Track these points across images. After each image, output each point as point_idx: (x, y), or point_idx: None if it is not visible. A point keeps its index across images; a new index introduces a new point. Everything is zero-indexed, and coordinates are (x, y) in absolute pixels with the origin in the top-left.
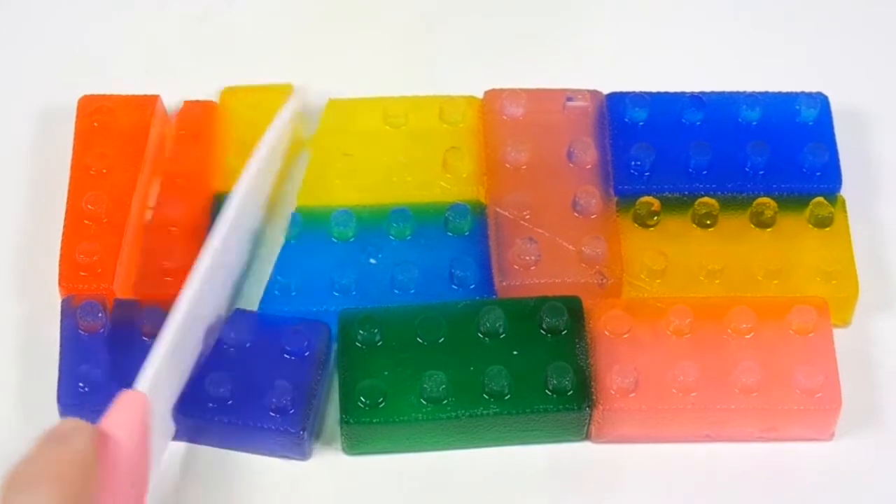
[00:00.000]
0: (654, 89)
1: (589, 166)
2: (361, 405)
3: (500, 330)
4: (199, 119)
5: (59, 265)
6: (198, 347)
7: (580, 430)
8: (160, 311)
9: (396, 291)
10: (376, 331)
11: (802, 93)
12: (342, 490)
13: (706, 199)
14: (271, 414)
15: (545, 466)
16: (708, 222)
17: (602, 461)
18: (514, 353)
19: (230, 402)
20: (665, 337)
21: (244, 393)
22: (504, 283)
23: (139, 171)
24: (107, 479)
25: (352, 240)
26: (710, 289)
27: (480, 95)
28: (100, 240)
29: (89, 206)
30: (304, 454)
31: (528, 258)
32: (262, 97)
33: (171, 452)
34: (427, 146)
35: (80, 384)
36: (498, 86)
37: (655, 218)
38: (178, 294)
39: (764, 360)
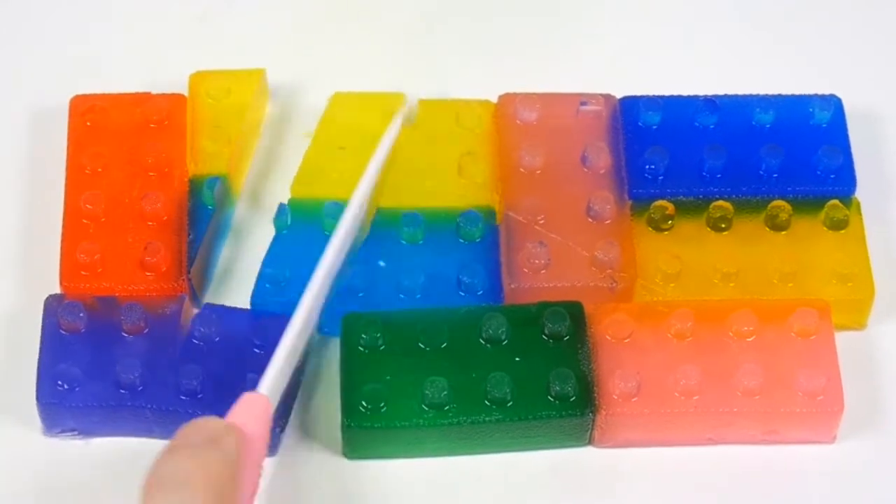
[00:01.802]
0: (664, 93)
1: (603, 171)
2: (363, 409)
3: (503, 336)
4: (167, 110)
5: (60, 265)
6: (298, 357)
7: (583, 436)
8: (139, 308)
9: (402, 296)
10: (379, 335)
11: (816, 95)
12: (343, 494)
13: (721, 202)
14: None
15: (548, 471)
16: (723, 226)
17: (604, 466)
18: (517, 359)
19: (200, 396)
20: (667, 340)
21: (214, 387)
22: (513, 286)
23: (135, 168)
24: (242, 478)
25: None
26: (724, 292)
27: (487, 98)
28: (99, 239)
29: (88, 206)
30: (273, 449)
31: (537, 261)
32: (231, 81)
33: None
34: (442, 150)
35: (59, 382)
36: (505, 89)
37: (670, 222)
38: (160, 291)
39: (766, 362)
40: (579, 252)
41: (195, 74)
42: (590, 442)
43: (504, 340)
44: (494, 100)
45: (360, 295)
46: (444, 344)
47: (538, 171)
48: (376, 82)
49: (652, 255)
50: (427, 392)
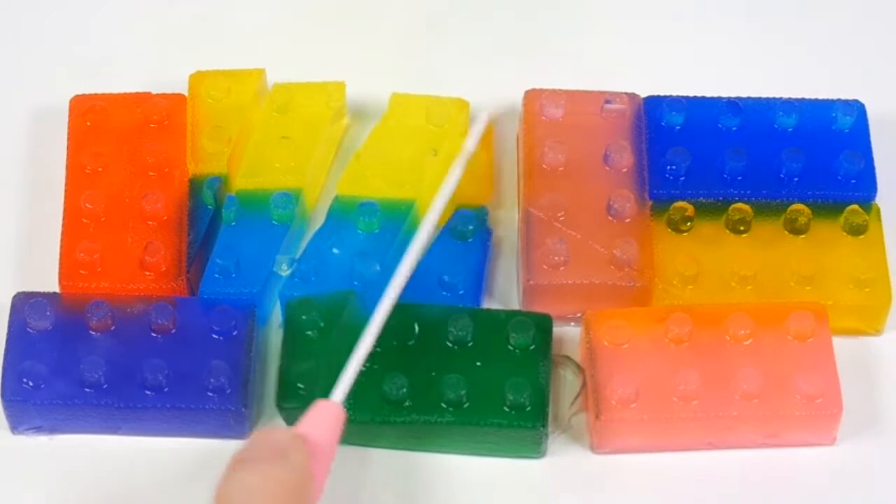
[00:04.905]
0: (688, 93)
1: (625, 170)
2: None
3: (468, 339)
4: (167, 110)
5: (60, 264)
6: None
7: (536, 449)
8: (106, 306)
9: (356, 283)
10: (322, 321)
11: (839, 100)
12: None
13: (740, 204)
14: (209, 394)
15: (547, 477)
16: (741, 228)
17: (604, 472)
18: (478, 363)
19: (166, 389)
20: (664, 345)
21: (180, 377)
22: (531, 283)
23: (135, 168)
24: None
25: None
26: (742, 295)
27: (512, 97)
28: (99, 238)
29: (87, 205)
30: (244, 433)
31: (556, 258)
32: (231, 81)
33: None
34: (409, 145)
35: (24, 380)
36: (522, 88)
37: (689, 223)
38: (160, 290)
39: (764, 366)
40: (598, 250)
41: (195, 74)
42: (544, 455)
43: (469, 343)
44: (514, 98)
45: (313, 279)
46: (412, 341)
47: (561, 168)
48: (376, 82)
49: (670, 257)
50: (385, 388)
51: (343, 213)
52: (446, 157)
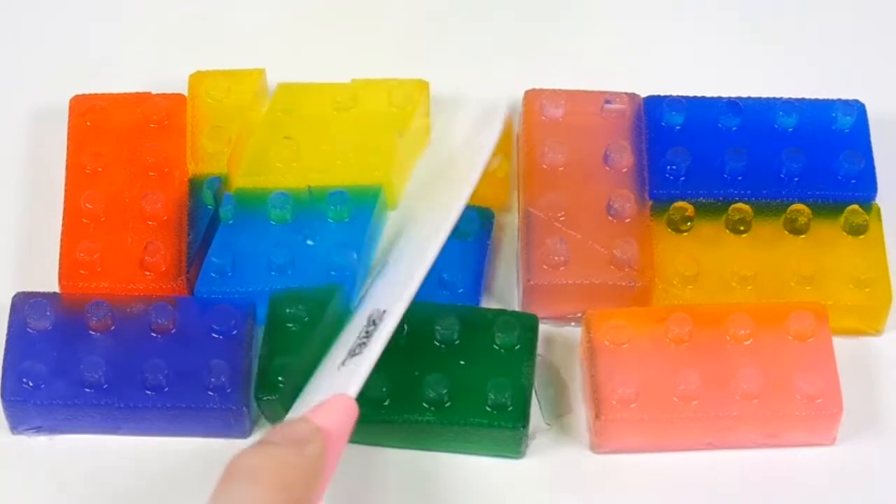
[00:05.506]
0: (688, 93)
1: (625, 170)
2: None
3: (454, 337)
4: (167, 110)
5: (59, 264)
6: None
7: (517, 449)
8: (106, 306)
9: (333, 273)
10: (311, 317)
11: (839, 100)
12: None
13: (740, 204)
14: (210, 394)
15: (547, 478)
16: (742, 228)
17: (604, 472)
18: (462, 362)
19: (167, 389)
20: (665, 345)
21: (180, 377)
22: (531, 283)
23: (135, 168)
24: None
25: (289, 221)
26: (742, 295)
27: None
28: (99, 238)
29: (87, 205)
30: (244, 432)
31: (556, 258)
32: (231, 81)
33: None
34: (374, 129)
35: (24, 380)
36: (520, 89)
37: (689, 223)
38: (160, 290)
39: (764, 366)
40: (598, 250)
41: (195, 74)
42: (524, 456)
43: (455, 341)
44: (514, 98)
45: (289, 272)
46: (402, 340)
47: (561, 168)
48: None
49: (670, 257)
50: (365, 387)
51: (314, 203)
52: (412, 138)
